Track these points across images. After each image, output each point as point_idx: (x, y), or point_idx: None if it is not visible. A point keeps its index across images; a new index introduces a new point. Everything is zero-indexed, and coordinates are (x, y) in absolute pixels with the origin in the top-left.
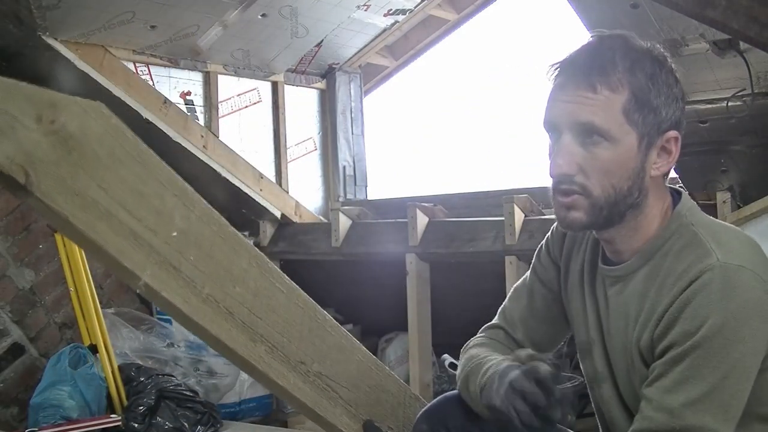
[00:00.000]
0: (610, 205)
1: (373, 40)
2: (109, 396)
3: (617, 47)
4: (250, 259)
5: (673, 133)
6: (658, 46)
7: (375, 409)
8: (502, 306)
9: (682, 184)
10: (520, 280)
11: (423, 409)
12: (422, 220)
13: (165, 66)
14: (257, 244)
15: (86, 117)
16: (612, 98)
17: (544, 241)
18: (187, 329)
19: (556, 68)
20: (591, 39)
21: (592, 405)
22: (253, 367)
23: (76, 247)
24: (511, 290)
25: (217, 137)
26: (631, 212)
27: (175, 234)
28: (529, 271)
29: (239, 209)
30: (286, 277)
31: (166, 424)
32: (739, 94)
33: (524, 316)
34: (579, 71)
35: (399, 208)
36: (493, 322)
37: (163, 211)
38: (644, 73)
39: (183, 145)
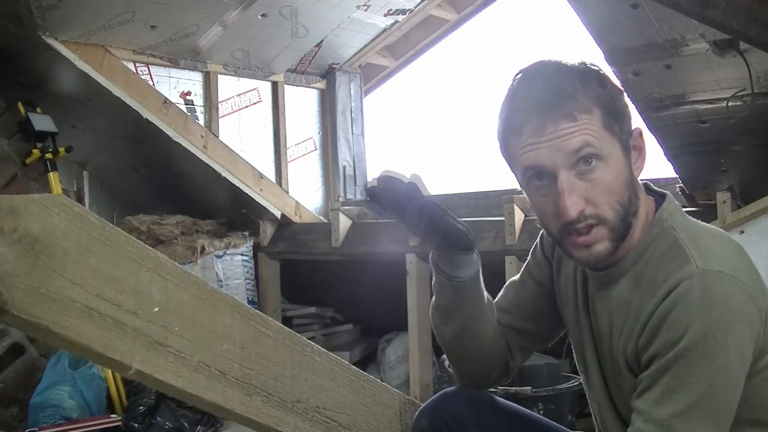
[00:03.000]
0: (623, 221)
1: (373, 40)
2: (109, 396)
3: (558, 72)
4: (232, 311)
5: (636, 130)
6: (581, 59)
7: (373, 425)
8: None
9: (682, 184)
10: (515, 276)
11: (422, 406)
12: None
13: (165, 66)
14: (257, 244)
15: (48, 214)
16: (591, 119)
17: (538, 237)
18: (180, 399)
19: (512, 120)
20: (524, 77)
21: (589, 406)
22: (252, 422)
23: None
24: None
25: (217, 137)
26: (635, 220)
27: (156, 309)
28: (523, 267)
29: (239, 209)
30: (269, 318)
31: (166, 424)
32: (739, 94)
33: (508, 309)
34: (550, 108)
35: None
36: None
37: (140, 289)
38: (597, 83)
39: (183, 145)
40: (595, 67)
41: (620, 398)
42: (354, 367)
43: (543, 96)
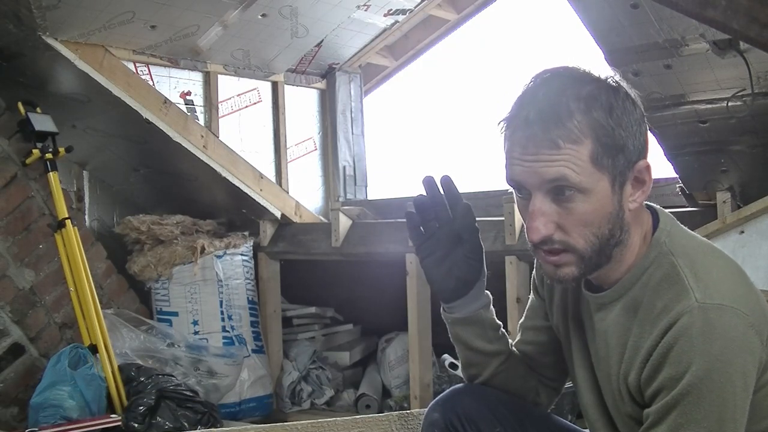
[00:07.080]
0: (597, 252)
1: (373, 40)
2: (109, 396)
3: (567, 88)
4: None
5: (643, 163)
6: (608, 71)
7: None
8: None
9: (682, 184)
10: None
11: (434, 400)
12: None
13: (165, 66)
14: (257, 244)
15: None
16: (577, 150)
17: None
18: None
19: (509, 125)
20: (535, 82)
21: (584, 418)
22: None
23: (76, 247)
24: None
25: (217, 137)
26: (617, 249)
27: None
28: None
29: (239, 209)
30: (256, 425)
31: (166, 424)
32: (739, 94)
33: (527, 330)
34: (536, 127)
35: (399, 208)
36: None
37: None
38: (602, 109)
39: (183, 145)
40: (610, 84)
41: (619, 418)
42: (340, 418)
43: (537, 113)
